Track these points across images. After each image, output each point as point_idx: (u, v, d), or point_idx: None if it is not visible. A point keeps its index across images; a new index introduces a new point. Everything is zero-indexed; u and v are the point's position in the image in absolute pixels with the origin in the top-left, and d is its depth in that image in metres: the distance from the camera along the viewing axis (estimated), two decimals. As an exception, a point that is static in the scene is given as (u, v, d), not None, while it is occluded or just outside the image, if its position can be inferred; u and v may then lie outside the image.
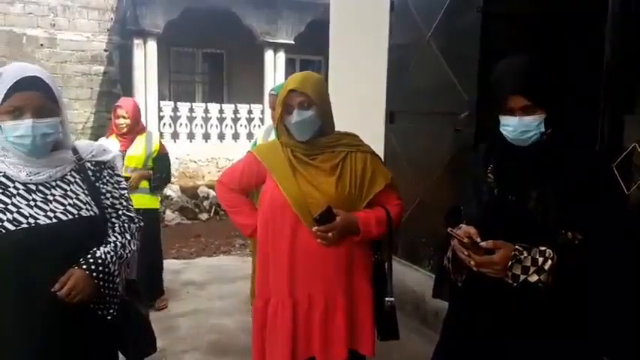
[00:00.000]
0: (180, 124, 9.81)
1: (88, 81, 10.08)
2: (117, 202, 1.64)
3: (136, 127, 3.89)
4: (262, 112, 10.15)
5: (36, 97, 1.43)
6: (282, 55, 10.45)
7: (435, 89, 3.47)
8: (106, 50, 10.17)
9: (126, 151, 3.78)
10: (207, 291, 4.43)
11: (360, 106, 4.17)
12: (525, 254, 1.40)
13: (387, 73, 4.00)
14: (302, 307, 1.86)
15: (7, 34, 9.48)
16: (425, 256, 3.64)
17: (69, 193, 1.51)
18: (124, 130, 3.81)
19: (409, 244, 3.76)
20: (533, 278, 1.39)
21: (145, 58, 9.45)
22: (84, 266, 1.46)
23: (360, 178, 1.89)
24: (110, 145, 3.73)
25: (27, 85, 1.42)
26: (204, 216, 9.01)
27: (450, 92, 3.28)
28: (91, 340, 1.53)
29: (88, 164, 1.59)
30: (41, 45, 9.70)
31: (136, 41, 9.42)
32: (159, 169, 3.94)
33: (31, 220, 1.42)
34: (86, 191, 1.55)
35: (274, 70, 10.36)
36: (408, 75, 3.76)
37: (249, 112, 10.24)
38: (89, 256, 1.48)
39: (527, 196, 1.48)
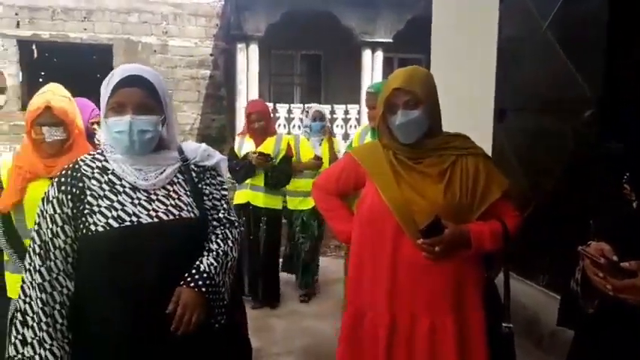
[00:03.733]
0: (279, 125, 10.01)
1: (196, 84, 10.64)
2: (218, 203, 1.61)
3: (267, 129, 4.05)
4: (359, 112, 10.05)
5: (137, 94, 1.44)
6: (380, 55, 10.29)
7: (552, 84, 3.15)
8: (211, 55, 10.68)
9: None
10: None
11: (465, 104, 3.90)
12: None
13: (495, 69, 3.71)
14: (402, 327, 1.69)
15: (124, 41, 10.29)
16: (539, 270, 3.30)
17: (171, 193, 1.50)
18: (258, 130, 3.93)
19: (521, 255, 3.43)
20: None
21: (247, 61, 9.75)
22: (191, 283, 1.43)
23: (472, 186, 1.69)
24: (246, 145, 3.93)
25: (131, 82, 1.45)
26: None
27: (570, 87, 2.94)
28: (194, 346, 1.48)
29: (193, 165, 1.59)
30: (154, 51, 10.40)
31: (239, 45, 9.75)
32: (279, 168, 4.01)
33: (134, 219, 1.42)
34: (188, 192, 1.53)
35: (372, 69, 10.22)
36: (519, 70, 3.45)
37: (346, 112, 10.19)
38: (194, 271, 1.45)
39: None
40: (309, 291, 4.35)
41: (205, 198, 1.57)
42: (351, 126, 10.10)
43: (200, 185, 1.57)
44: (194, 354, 1.47)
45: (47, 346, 1.39)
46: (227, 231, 1.60)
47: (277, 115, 10.02)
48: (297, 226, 4.42)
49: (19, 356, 1.39)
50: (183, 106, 10.51)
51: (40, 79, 12.24)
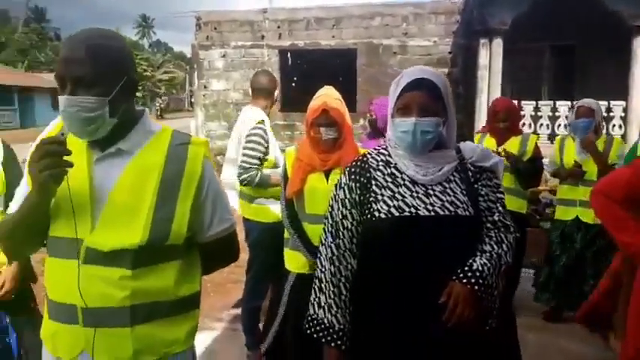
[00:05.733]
0: (524, 124, 9.22)
1: (433, 83, 10.55)
2: (493, 205, 1.61)
3: (513, 128, 3.77)
4: (624, 109, 8.61)
5: (422, 97, 1.53)
6: (655, 41, 8.62)
7: None
8: (450, 52, 10.44)
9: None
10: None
11: None
12: None
13: None
14: None
15: (366, 45, 10.78)
16: None
17: (448, 190, 1.55)
18: (502, 129, 3.71)
19: None
20: None
21: (490, 56, 9.23)
22: (463, 280, 1.46)
23: None
24: (485, 143, 3.71)
25: (416, 85, 1.55)
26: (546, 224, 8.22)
27: None
28: (462, 344, 1.50)
29: (469, 165, 1.62)
30: (394, 53, 10.65)
31: (482, 40, 9.28)
32: (522, 170, 3.67)
33: (412, 210, 1.51)
34: (464, 191, 1.57)
35: (645, 59, 8.63)
36: None
37: (608, 109, 8.83)
38: (466, 268, 1.48)
39: None
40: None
41: (481, 199, 1.59)
42: (613, 125, 8.72)
43: (476, 185, 1.60)
44: (460, 351, 1.49)
45: (333, 312, 1.60)
46: (502, 235, 1.59)
47: (522, 113, 9.25)
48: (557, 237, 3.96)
49: (315, 316, 1.64)
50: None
51: (293, 84, 13.70)
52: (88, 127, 1.29)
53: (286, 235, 2.56)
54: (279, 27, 11.18)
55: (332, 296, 1.61)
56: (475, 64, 9.48)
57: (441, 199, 1.53)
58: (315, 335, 1.62)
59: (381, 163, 1.62)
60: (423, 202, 1.52)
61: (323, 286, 1.63)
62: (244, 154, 3.04)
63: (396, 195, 1.54)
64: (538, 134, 9.18)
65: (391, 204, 1.53)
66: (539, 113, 9.22)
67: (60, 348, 1.41)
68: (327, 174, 2.44)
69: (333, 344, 1.59)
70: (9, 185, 2.06)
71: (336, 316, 1.60)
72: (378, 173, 1.60)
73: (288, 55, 12.20)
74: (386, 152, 1.65)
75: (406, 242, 1.50)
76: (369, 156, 1.66)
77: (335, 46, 11.00)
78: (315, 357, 1.87)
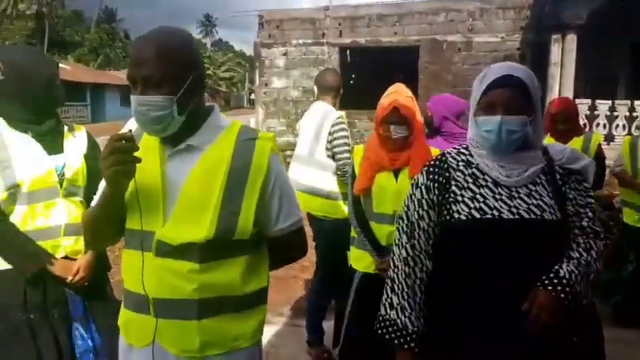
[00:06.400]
0: (598, 125, 8.72)
1: (498, 81, 10.19)
2: (582, 210, 1.52)
3: (574, 130, 3.54)
4: None
5: (508, 95, 1.45)
6: None
7: None
8: (518, 49, 10.03)
9: None
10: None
11: None
12: None
13: None
14: None
15: (430, 41, 10.55)
16: None
17: (533, 193, 1.48)
18: (562, 132, 3.49)
19: None
20: None
21: (563, 53, 8.77)
22: (549, 287, 1.41)
23: None
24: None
25: (503, 82, 1.46)
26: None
27: None
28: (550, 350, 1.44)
29: (557, 167, 1.54)
30: (458, 49, 10.37)
31: (554, 36, 8.85)
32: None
33: (495, 213, 1.45)
34: (550, 194, 1.49)
35: None
36: None
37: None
38: (552, 275, 1.42)
39: None
40: None
41: (568, 203, 1.51)
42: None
43: (564, 188, 1.51)
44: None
45: (407, 314, 1.56)
46: (591, 241, 1.51)
47: (596, 112, 8.75)
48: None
49: (387, 316, 1.60)
50: (484, 104, 10.19)
51: (351, 81, 13.65)
52: (157, 125, 1.32)
53: (352, 233, 2.53)
54: (340, 24, 11.15)
55: (406, 297, 1.58)
56: (546, 61, 9.05)
57: (526, 202, 1.46)
58: (387, 336, 1.59)
59: (461, 163, 1.56)
60: (507, 204, 1.46)
61: (396, 286, 1.60)
62: (339, 145, 3.05)
63: (477, 196, 1.48)
64: (614, 135, 8.66)
65: (472, 205, 1.47)
66: (615, 113, 8.68)
67: (132, 336, 1.45)
68: (396, 173, 2.39)
69: (406, 346, 1.56)
70: (91, 177, 2.11)
71: (409, 317, 1.56)
72: (458, 173, 1.54)
73: (348, 52, 12.15)
74: (466, 152, 1.59)
75: (487, 246, 1.45)
76: (448, 155, 1.60)
77: (397, 42, 10.83)
78: (383, 357, 1.81)
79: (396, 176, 2.38)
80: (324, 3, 12.00)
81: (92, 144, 2.23)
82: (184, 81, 1.32)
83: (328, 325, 3.24)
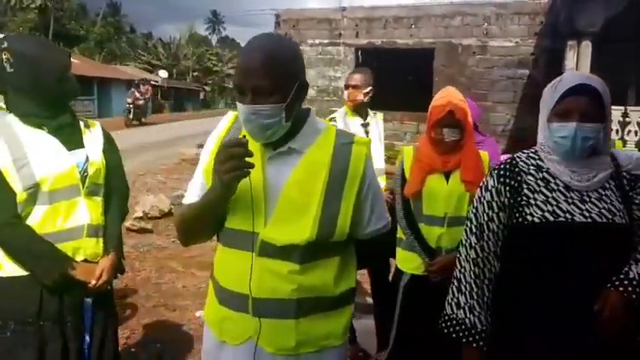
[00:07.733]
0: (611, 130, 8.87)
1: (512, 85, 10.33)
2: None
3: None
4: None
5: (583, 103, 1.52)
6: None
7: None
8: (532, 54, 10.18)
9: None
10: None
11: None
12: None
13: None
14: None
15: (445, 44, 10.68)
16: None
17: (604, 197, 1.54)
18: None
19: None
20: None
21: (578, 59, 8.93)
22: (620, 288, 1.46)
23: None
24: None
25: (579, 90, 1.53)
26: None
27: None
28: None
29: (624, 173, 1.60)
30: (473, 53, 10.50)
31: (569, 42, 8.99)
32: None
33: (568, 216, 1.50)
34: (619, 199, 1.55)
35: None
36: None
37: None
38: (622, 276, 1.48)
39: None
40: None
41: (635, 207, 1.56)
42: None
43: (631, 194, 1.57)
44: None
45: (476, 314, 1.61)
46: None
47: (610, 118, 8.89)
48: None
49: (453, 315, 1.65)
50: (498, 107, 10.34)
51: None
52: (266, 132, 1.36)
53: (399, 234, 2.54)
54: (357, 25, 11.28)
55: (475, 297, 1.62)
56: (560, 66, 9.20)
57: (597, 206, 1.51)
58: (454, 335, 1.63)
59: (532, 167, 1.61)
60: (579, 208, 1.51)
61: (463, 287, 1.64)
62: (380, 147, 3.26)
63: (550, 200, 1.53)
64: (626, 141, 8.82)
65: (545, 208, 1.52)
66: (627, 119, 8.84)
67: (227, 333, 1.47)
68: (447, 175, 2.40)
69: (475, 345, 1.60)
70: (110, 172, 2.03)
71: (479, 317, 1.60)
72: (530, 177, 1.59)
73: (359, 53, 12.27)
74: (536, 157, 1.64)
75: (560, 248, 1.49)
76: (518, 159, 1.66)
77: (412, 45, 10.97)
78: (438, 357, 1.90)
79: (447, 179, 2.39)
80: (334, 3, 12.12)
81: (108, 139, 2.11)
82: (291, 89, 1.35)
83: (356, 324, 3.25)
